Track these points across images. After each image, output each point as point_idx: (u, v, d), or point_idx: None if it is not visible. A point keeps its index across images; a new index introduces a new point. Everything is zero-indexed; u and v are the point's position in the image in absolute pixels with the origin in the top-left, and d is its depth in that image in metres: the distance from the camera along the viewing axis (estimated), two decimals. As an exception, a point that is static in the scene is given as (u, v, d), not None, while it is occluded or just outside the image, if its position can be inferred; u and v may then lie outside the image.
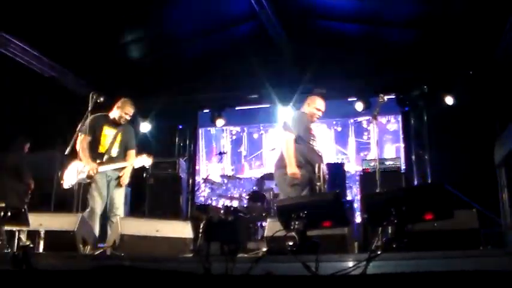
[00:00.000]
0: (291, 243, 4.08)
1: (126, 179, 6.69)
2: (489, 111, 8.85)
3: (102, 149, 6.63)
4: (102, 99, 6.42)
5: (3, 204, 4.98)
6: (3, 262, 3.31)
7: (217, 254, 5.42)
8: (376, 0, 8.87)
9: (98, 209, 6.39)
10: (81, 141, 6.40)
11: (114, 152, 6.71)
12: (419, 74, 9.91)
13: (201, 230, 6.93)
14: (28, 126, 9.81)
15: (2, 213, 4.78)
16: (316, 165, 6.18)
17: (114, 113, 6.78)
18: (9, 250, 4.70)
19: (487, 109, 8.91)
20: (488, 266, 3.11)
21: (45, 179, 9.23)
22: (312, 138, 6.49)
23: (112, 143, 6.69)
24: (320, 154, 6.49)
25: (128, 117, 6.88)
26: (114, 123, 6.77)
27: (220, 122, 11.42)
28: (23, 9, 7.61)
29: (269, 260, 3.21)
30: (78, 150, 6.38)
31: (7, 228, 4.91)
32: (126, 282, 2.63)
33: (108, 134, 6.70)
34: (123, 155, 6.79)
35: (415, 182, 9.93)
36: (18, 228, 4.98)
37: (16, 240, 4.97)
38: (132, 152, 6.88)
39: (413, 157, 10.28)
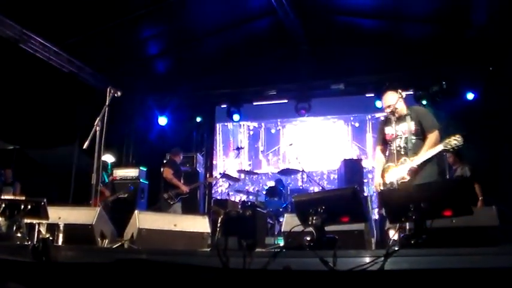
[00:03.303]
0: (308, 238, 4.06)
1: None
2: (509, 108, 8.74)
3: None
4: (119, 93, 6.44)
5: (24, 197, 5.04)
6: (24, 254, 3.35)
7: (235, 248, 5.42)
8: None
9: None
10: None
11: None
12: (438, 70, 9.82)
13: (219, 225, 6.95)
14: (47, 121, 9.90)
15: (22, 206, 4.83)
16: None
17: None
18: (29, 242, 4.75)
19: (506, 106, 8.79)
20: (506, 263, 3.07)
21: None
22: (388, 140, 5.40)
23: None
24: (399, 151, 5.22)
25: None
26: None
27: (236, 117, 11.44)
28: (42, 5, 7.66)
29: (287, 255, 3.20)
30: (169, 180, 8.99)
31: (27, 221, 4.96)
32: (144, 276, 2.65)
33: None
34: None
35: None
36: (37, 221, 5.03)
37: (36, 233, 5.02)
38: None
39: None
